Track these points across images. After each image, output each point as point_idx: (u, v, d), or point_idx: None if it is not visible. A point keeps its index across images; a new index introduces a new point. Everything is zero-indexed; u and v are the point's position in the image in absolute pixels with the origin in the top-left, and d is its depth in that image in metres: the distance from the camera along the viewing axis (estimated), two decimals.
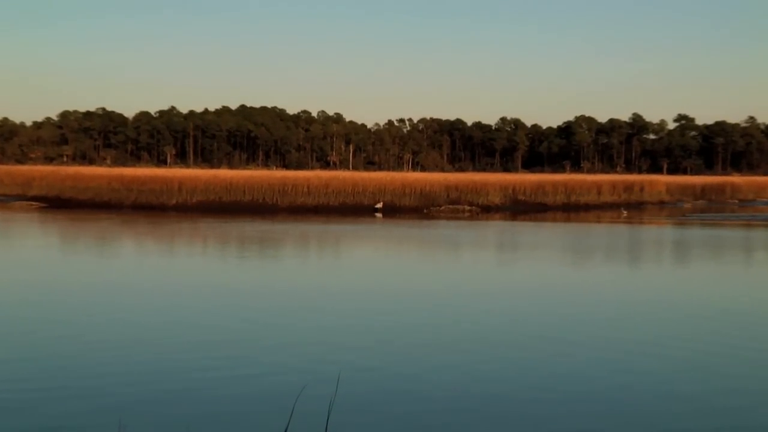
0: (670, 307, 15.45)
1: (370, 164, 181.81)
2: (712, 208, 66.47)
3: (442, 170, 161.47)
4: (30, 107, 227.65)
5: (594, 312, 14.82)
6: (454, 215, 52.10)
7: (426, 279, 19.69)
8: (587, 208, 61.91)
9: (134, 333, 12.16)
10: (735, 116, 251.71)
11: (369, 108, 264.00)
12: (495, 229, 41.23)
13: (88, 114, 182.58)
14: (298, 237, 33.02)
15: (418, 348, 11.51)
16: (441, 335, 12.37)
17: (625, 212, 56.48)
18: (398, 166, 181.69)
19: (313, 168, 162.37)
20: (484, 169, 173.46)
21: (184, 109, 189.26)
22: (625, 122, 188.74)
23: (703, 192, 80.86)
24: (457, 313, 14.68)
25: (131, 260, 22.88)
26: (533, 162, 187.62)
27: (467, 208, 55.81)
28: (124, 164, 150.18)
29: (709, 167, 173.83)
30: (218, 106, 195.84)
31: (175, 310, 14.47)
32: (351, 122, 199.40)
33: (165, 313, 13.99)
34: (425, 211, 54.30)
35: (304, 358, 10.71)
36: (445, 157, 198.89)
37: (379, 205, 53.65)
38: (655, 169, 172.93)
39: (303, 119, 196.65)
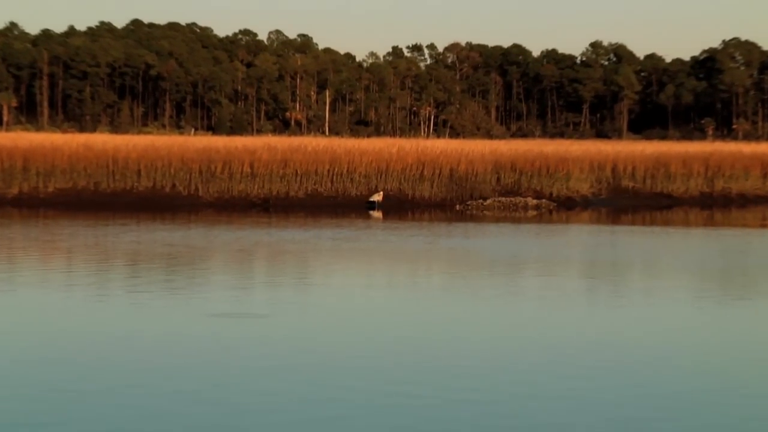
0: None
1: (361, 125, 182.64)
2: None
3: (488, 135, 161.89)
4: None
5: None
6: (510, 214, 52.06)
7: (455, 338, 19.65)
8: (744, 201, 61.81)
9: None
10: None
11: (358, 27, 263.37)
12: (581, 238, 41.05)
13: None
14: (227, 253, 33.06)
15: None
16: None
17: None
18: (411, 128, 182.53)
19: (261, 131, 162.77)
20: (561, 134, 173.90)
21: (32, 29, 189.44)
22: None
23: None
24: (504, 394, 14.73)
25: None
26: (649, 120, 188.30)
27: (533, 201, 55.84)
28: None
29: None
30: (93, 24, 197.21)
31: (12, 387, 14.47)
32: (327, 51, 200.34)
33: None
34: (458, 207, 54.35)
35: None
36: (494, 112, 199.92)
37: (377, 198, 53.76)
38: None
39: (243, 46, 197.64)
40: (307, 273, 28.90)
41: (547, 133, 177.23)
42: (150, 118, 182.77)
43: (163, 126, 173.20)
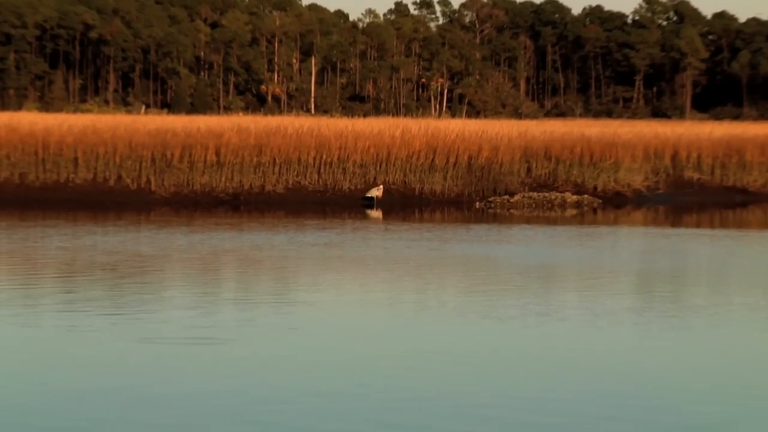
0: None
1: (355, 101, 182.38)
2: None
3: (516, 114, 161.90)
4: None
5: None
6: (543, 213, 52.23)
7: (469, 372, 19.45)
8: None
9: None
10: None
11: None
12: (632, 244, 41.01)
13: None
14: (183, 263, 33.02)
15: None
16: None
17: None
18: (419, 105, 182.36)
19: (230, 109, 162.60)
20: (608, 113, 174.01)
21: None
22: None
23: None
24: None
25: None
26: (718, 96, 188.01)
27: (572, 197, 55.92)
28: None
29: None
30: None
31: None
32: (313, 8, 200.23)
33: None
34: (478, 204, 54.55)
35: None
36: (523, 84, 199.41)
37: (376, 193, 53.90)
38: None
39: (207, 2, 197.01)
40: (278, 288, 28.86)
41: (591, 112, 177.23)
42: (90, 92, 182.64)
43: (106, 102, 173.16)
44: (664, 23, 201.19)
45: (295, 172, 54.94)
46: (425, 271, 32.18)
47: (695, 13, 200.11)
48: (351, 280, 30.50)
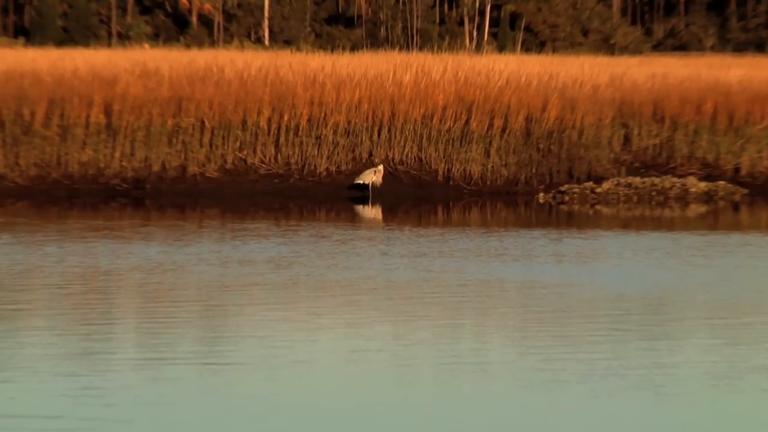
0: None
1: (337, 24, 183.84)
2: None
3: (607, 47, 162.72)
4: None
5: None
6: (651, 211, 53.49)
7: None
8: None
9: None
10: None
11: None
12: None
13: None
14: (30, 292, 33.47)
15: None
16: None
17: None
18: (445, 32, 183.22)
19: (127, 39, 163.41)
20: (759, 46, 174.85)
21: None
22: None
23: None
24: None
25: None
26: None
27: (699, 185, 56.45)
28: None
29: None
30: None
31: None
32: None
33: None
34: (542, 196, 55.51)
35: None
36: (617, 0, 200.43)
37: (372, 178, 54.81)
38: None
39: None
40: (184, 338, 28.69)
41: (729, 44, 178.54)
42: None
43: None
44: None
45: (238, 144, 55.93)
46: (431, 308, 32.13)
47: None
48: (306, 325, 30.03)
